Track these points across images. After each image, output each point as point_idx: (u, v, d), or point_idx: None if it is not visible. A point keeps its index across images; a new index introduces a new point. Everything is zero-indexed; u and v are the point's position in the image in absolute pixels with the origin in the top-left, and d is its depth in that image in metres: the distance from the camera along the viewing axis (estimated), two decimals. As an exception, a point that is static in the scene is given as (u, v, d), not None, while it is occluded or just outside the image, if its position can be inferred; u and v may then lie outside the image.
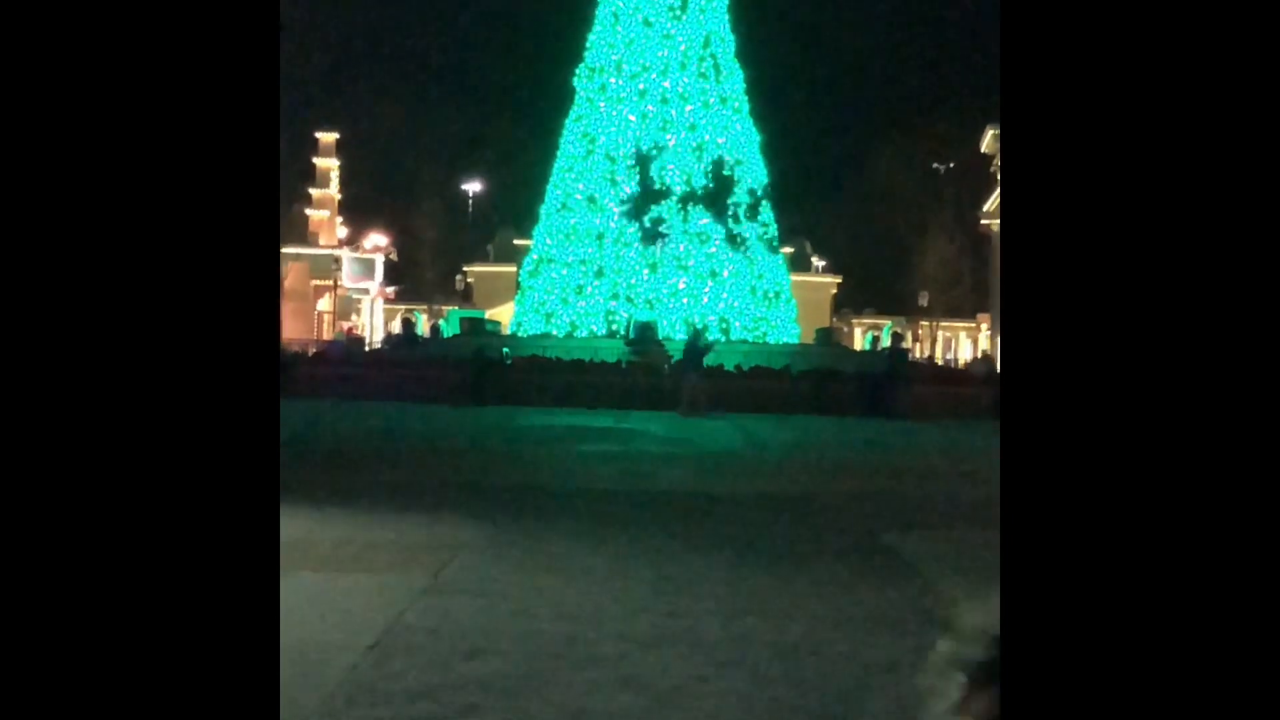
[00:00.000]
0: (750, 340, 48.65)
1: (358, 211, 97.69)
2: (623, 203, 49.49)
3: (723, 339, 47.96)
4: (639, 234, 49.24)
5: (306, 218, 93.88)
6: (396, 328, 74.64)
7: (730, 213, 50.25)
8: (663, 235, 49.26)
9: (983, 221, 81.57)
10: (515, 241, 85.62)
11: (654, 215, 49.24)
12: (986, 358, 51.25)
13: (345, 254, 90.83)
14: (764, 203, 51.83)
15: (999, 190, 70.04)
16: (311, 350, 54.73)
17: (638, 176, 49.84)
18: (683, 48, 50.96)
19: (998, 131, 77.28)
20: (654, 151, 49.99)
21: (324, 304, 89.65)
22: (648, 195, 49.64)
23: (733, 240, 50.11)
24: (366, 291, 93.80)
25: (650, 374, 38.85)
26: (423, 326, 71.10)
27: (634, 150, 50.09)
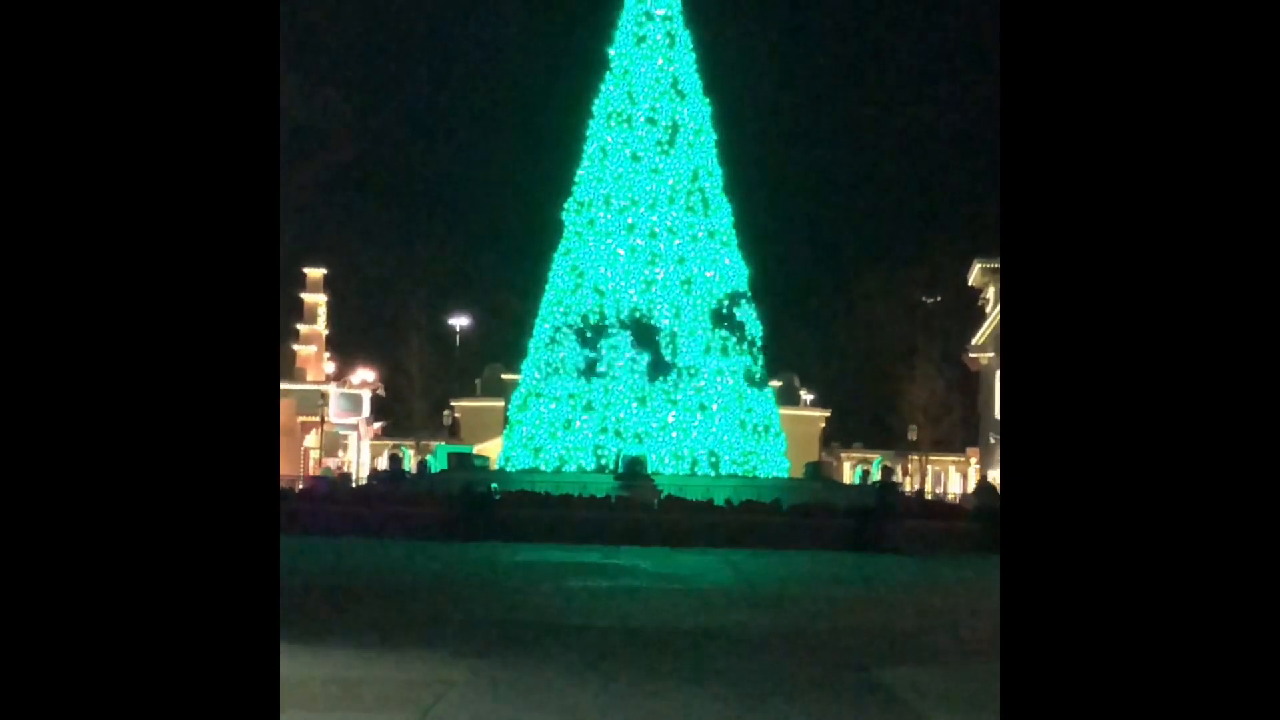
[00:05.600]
0: (740, 474, 48.59)
1: (345, 347, 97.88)
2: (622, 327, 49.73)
3: (711, 474, 48.03)
4: (640, 367, 49.41)
5: (294, 353, 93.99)
6: (383, 463, 74.47)
7: (720, 347, 50.47)
8: (668, 367, 49.51)
9: (971, 355, 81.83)
10: (503, 376, 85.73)
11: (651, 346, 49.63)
12: (981, 489, 50.93)
13: (332, 389, 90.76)
14: (753, 337, 52.04)
15: (999, 325, 70.62)
16: (298, 487, 54.55)
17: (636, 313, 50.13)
18: (671, 182, 51.40)
19: (985, 265, 77.67)
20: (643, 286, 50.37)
21: (310, 440, 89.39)
22: (642, 330, 49.91)
23: (738, 376, 50.34)
24: (354, 427, 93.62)
25: (640, 509, 38.67)
26: (410, 462, 70.93)
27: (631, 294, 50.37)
